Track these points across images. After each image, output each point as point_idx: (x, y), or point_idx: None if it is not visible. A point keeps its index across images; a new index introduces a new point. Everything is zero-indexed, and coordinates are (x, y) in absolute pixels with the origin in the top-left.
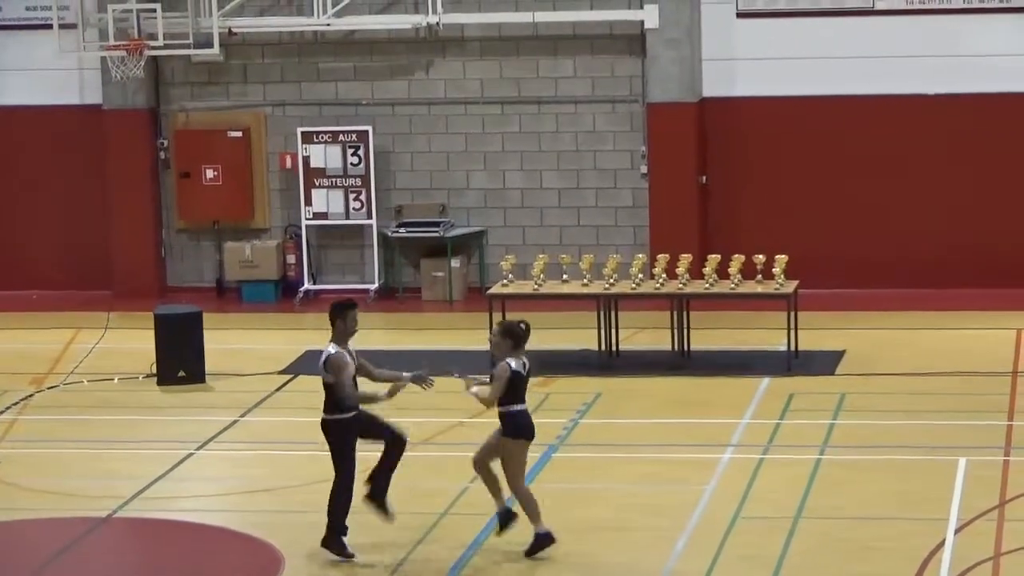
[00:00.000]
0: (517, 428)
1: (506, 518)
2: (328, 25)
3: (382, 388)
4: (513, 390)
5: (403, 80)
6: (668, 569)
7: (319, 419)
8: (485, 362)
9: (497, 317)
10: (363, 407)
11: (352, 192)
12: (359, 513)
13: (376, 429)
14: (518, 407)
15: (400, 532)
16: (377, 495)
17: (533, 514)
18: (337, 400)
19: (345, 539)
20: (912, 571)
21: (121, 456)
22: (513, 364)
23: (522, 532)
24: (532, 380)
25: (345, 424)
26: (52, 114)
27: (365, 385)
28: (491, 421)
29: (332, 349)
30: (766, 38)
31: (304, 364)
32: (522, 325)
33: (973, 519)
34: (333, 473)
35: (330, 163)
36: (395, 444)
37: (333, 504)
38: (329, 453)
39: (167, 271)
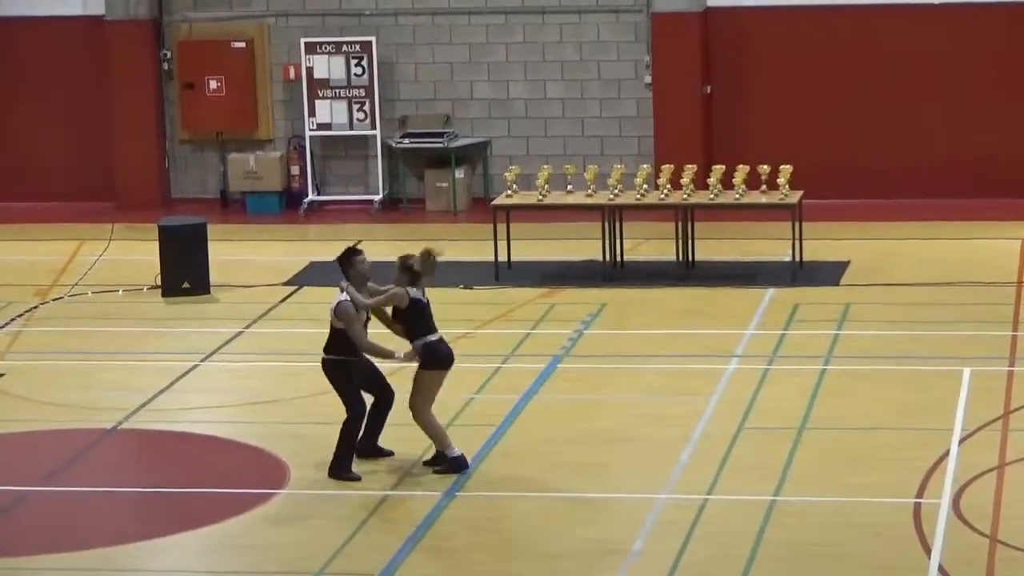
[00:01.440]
0: (434, 359)
1: (450, 464)
2: None
3: (399, 347)
4: (421, 320)
5: None
6: (673, 479)
7: (323, 331)
8: (489, 272)
9: (501, 228)
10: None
11: (356, 103)
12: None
13: (371, 382)
14: (433, 337)
15: (405, 444)
16: (368, 451)
17: (442, 441)
18: (340, 342)
19: (353, 467)
20: (916, 481)
21: (126, 368)
22: (412, 292)
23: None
24: (537, 291)
25: (347, 366)
26: (55, 25)
27: None
28: (496, 332)
29: (343, 297)
30: None
31: (308, 275)
32: (432, 256)
33: (977, 429)
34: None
35: (334, 74)
36: (385, 400)
37: (342, 437)
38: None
39: (171, 183)
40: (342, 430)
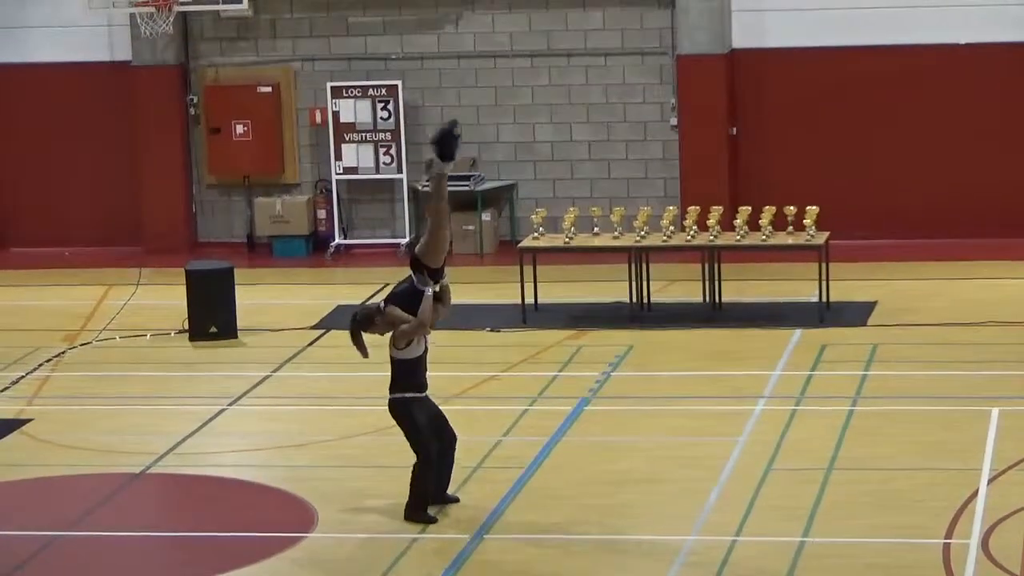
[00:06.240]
0: None
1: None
2: None
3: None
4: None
5: (432, 34)
6: (701, 521)
7: (351, 374)
8: (516, 314)
9: (528, 270)
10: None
11: (382, 146)
12: (397, 467)
13: (432, 421)
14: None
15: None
16: (436, 498)
17: None
18: (402, 377)
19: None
20: (945, 522)
21: (154, 412)
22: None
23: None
24: (564, 333)
25: (411, 406)
26: (81, 71)
27: None
28: (524, 375)
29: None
30: None
31: (336, 319)
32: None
33: (1006, 469)
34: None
35: (360, 117)
36: (449, 442)
37: (414, 481)
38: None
39: (198, 227)
40: (414, 475)
